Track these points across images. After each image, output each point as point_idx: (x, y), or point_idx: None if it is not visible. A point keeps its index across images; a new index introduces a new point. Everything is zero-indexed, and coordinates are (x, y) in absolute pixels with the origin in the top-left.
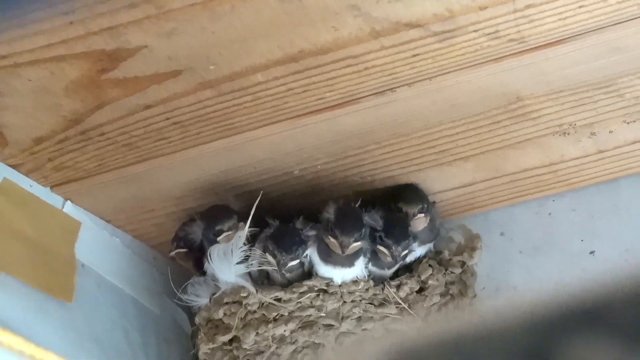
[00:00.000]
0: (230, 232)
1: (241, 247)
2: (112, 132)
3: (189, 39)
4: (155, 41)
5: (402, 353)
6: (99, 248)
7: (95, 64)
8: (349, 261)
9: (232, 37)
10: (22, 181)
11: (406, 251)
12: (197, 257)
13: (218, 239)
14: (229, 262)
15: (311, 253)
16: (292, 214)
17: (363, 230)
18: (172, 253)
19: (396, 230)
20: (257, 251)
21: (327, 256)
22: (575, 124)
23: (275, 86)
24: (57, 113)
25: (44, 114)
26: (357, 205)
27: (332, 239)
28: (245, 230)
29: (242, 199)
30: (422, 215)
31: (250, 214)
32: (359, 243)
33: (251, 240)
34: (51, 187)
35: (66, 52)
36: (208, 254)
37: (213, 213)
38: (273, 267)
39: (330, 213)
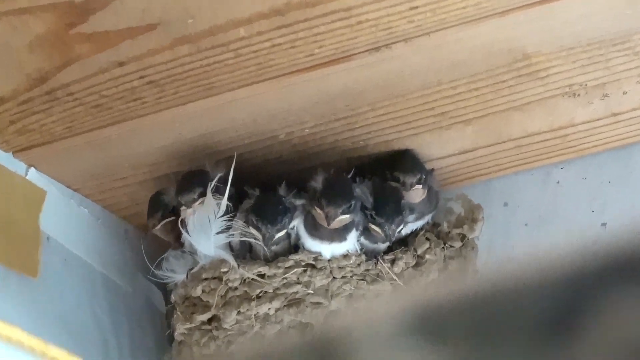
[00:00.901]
0: (187, 209)
1: (222, 215)
2: (81, 92)
3: None
4: None
5: (417, 312)
6: (66, 219)
7: (62, 17)
8: (339, 235)
9: None
10: None
11: (401, 226)
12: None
13: (188, 210)
14: (208, 232)
15: (298, 225)
16: (276, 181)
17: (353, 202)
18: (159, 225)
19: (388, 206)
20: (239, 222)
21: (315, 229)
22: (586, 85)
23: (259, 42)
24: (20, 71)
25: (5, 73)
26: (349, 176)
27: (318, 210)
28: (225, 197)
29: (221, 166)
30: (420, 186)
31: (228, 180)
32: (347, 216)
33: (233, 209)
34: (13, 153)
35: (30, 4)
36: (184, 223)
37: (185, 179)
38: (257, 241)
39: (318, 182)
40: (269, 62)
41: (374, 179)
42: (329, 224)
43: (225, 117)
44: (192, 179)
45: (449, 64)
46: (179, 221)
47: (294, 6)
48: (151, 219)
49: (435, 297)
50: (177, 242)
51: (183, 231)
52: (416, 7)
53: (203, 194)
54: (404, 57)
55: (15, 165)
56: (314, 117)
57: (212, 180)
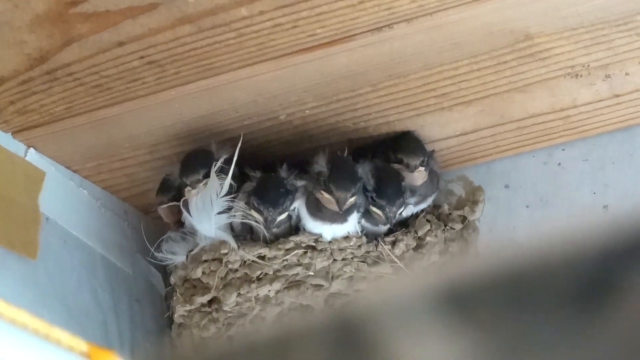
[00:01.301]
0: (192, 190)
1: (223, 196)
2: (81, 72)
3: None
4: None
5: (453, 291)
6: (65, 200)
7: None
8: (341, 216)
9: None
10: None
11: (402, 208)
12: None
13: (192, 190)
14: (209, 212)
15: (299, 206)
16: (277, 163)
17: (359, 184)
18: (164, 207)
19: (389, 188)
20: (241, 203)
21: (317, 211)
22: (588, 65)
23: (260, 21)
24: (20, 51)
25: (5, 52)
26: (346, 156)
27: (325, 194)
28: (229, 177)
29: (226, 146)
30: (422, 168)
31: (232, 160)
32: (354, 198)
33: (236, 190)
34: (13, 133)
35: None
36: (186, 203)
37: (190, 159)
38: (258, 224)
39: (321, 165)
40: (270, 42)
41: (375, 160)
42: (341, 209)
43: (226, 97)
44: (196, 159)
45: (451, 45)
46: (181, 201)
47: None
48: (161, 196)
49: (459, 275)
50: (176, 226)
51: (184, 211)
52: None
53: (208, 175)
54: (405, 38)
55: (14, 145)
56: (315, 98)
57: (216, 161)
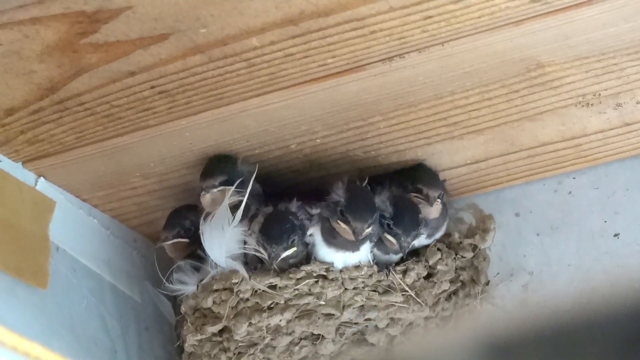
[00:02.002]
0: (213, 191)
1: (237, 225)
2: (92, 102)
3: None
4: (141, 0)
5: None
6: (75, 229)
7: (73, 26)
8: (355, 245)
9: None
10: None
11: (415, 240)
12: (193, 249)
13: (206, 194)
14: (221, 241)
15: (314, 233)
16: (287, 192)
17: (376, 215)
18: (169, 242)
19: (406, 218)
20: (252, 239)
21: (331, 237)
22: (599, 94)
23: (271, 51)
24: (31, 81)
25: (16, 82)
26: (365, 185)
27: (342, 225)
28: (241, 209)
29: (247, 163)
30: (439, 201)
31: (247, 189)
32: (371, 228)
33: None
34: (23, 163)
35: (41, 13)
36: (201, 229)
37: (211, 164)
38: (265, 259)
39: (339, 195)
40: (281, 71)
41: (392, 189)
42: (357, 240)
43: (237, 126)
44: (217, 165)
45: (462, 73)
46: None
47: (307, 15)
48: (166, 232)
49: (502, 326)
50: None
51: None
52: (430, 17)
53: (224, 183)
54: (417, 67)
55: (24, 175)
56: (325, 127)
57: (238, 172)
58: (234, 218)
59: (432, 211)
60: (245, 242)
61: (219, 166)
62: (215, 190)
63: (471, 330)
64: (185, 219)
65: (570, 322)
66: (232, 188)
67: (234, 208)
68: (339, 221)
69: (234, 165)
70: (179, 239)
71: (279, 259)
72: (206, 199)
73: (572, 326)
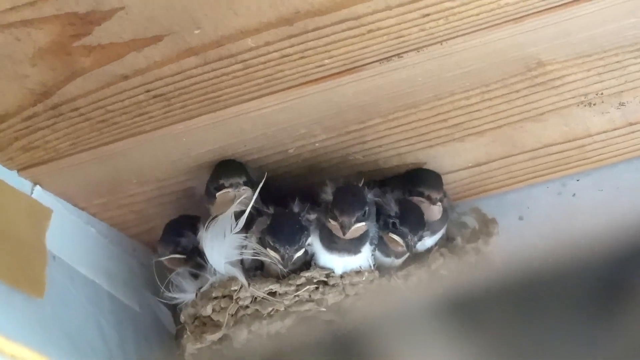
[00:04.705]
0: (229, 190)
1: (238, 231)
2: (86, 107)
3: None
4: (134, 1)
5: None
6: (72, 238)
7: (66, 28)
8: (354, 247)
9: None
10: None
11: (420, 242)
12: (191, 264)
13: (217, 193)
14: (221, 247)
15: (313, 240)
16: (286, 197)
17: (366, 208)
18: (165, 258)
19: (413, 217)
20: (254, 243)
21: (331, 242)
22: (602, 93)
23: (267, 52)
24: (23, 85)
25: (8, 87)
26: (356, 184)
27: (332, 222)
28: (244, 217)
29: (255, 172)
30: (440, 204)
31: (252, 197)
32: (362, 224)
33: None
34: (18, 170)
35: (33, 15)
36: (201, 233)
37: (221, 166)
38: (273, 261)
39: (328, 193)
40: (277, 73)
41: (395, 191)
42: (344, 234)
43: (234, 130)
44: (236, 165)
45: (462, 73)
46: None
47: (303, 15)
48: (162, 247)
49: (466, 281)
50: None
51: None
52: (428, 15)
53: (246, 183)
54: (415, 67)
55: (20, 183)
56: (324, 130)
57: (247, 177)
58: (236, 225)
59: (434, 212)
60: (245, 247)
61: (239, 167)
62: (235, 189)
63: (433, 288)
64: (182, 233)
65: (536, 275)
66: (250, 190)
67: (237, 214)
68: (329, 219)
69: (245, 169)
70: (176, 255)
71: (293, 259)
72: (226, 196)
73: (538, 279)
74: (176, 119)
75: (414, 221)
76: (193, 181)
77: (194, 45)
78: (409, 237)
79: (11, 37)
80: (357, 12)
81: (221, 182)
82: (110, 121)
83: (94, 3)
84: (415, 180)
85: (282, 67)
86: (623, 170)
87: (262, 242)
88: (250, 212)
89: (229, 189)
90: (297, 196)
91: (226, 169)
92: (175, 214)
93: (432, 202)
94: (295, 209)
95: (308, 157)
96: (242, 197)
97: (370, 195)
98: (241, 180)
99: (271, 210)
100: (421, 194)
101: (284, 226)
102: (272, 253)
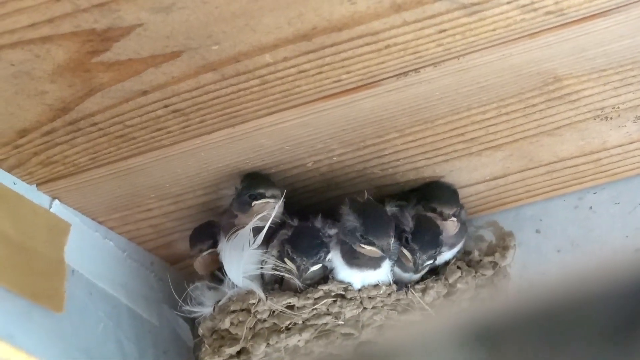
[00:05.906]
0: (270, 201)
1: (257, 245)
2: (105, 122)
3: (188, 15)
4: (152, 18)
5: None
6: (91, 252)
7: (84, 45)
8: (375, 262)
9: (237, 11)
10: (5, 178)
11: (431, 261)
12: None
13: (254, 203)
14: (239, 261)
15: (333, 255)
16: (305, 211)
17: (393, 223)
18: (206, 253)
19: (426, 236)
20: (272, 258)
21: (353, 257)
22: (618, 107)
23: (285, 68)
24: (42, 101)
25: (28, 103)
26: (367, 198)
27: (367, 247)
28: (263, 232)
29: (278, 186)
30: (455, 219)
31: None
32: (392, 240)
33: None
34: (37, 185)
35: (52, 32)
36: (221, 245)
37: (257, 176)
38: (290, 275)
39: (350, 219)
40: (295, 88)
41: (417, 206)
42: (389, 256)
43: (252, 145)
44: (268, 178)
45: (478, 88)
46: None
47: (320, 31)
48: (197, 246)
49: (489, 312)
50: (209, 277)
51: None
52: (445, 30)
53: (277, 196)
54: (432, 82)
55: (39, 197)
56: (341, 145)
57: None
58: (254, 240)
59: (448, 227)
60: (264, 263)
61: (270, 179)
62: (275, 201)
63: (458, 319)
64: (212, 232)
65: (558, 307)
66: (279, 202)
67: (256, 230)
68: (361, 245)
69: (272, 183)
70: (213, 249)
71: (309, 271)
72: (265, 206)
73: (561, 310)
74: (194, 133)
75: (426, 240)
76: (210, 195)
77: (211, 61)
78: (418, 255)
79: (30, 54)
80: (374, 28)
81: (261, 191)
82: (129, 136)
83: (113, 20)
84: (429, 196)
85: (299, 83)
86: (639, 183)
87: (281, 252)
88: (273, 224)
89: (270, 199)
90: (319, 213)
91: (265, 179)
92: (192, 228)
93: (444, 218)
94: (318, 224)
95: (326, 172)
96: (274, 211)
97: (399, 215)
98: (279, 193)
99: (295, 222)
100: (434, 210)
101: (304, 238)
102: (289, 263)
